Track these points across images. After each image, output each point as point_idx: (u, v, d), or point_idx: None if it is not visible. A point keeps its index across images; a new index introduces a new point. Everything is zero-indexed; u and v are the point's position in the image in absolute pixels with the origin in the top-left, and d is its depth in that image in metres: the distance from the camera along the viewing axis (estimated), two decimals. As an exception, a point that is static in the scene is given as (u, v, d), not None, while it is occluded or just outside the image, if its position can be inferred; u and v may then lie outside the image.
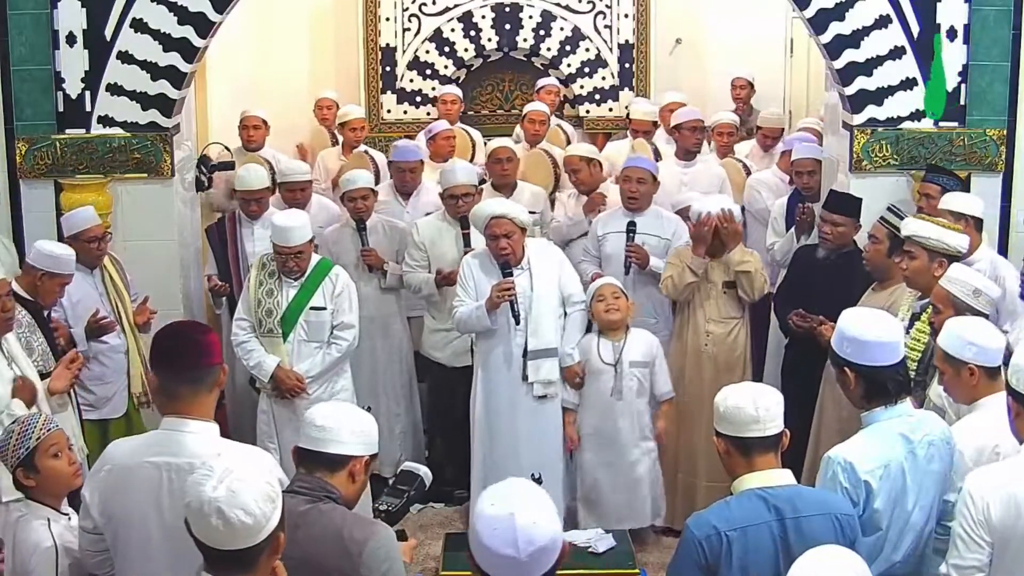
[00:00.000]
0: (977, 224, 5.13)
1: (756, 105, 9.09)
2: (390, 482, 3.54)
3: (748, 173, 7.65)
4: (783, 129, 8.37)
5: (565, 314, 5.61)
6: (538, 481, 5.21)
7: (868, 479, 3.35)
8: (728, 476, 3.26)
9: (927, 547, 3.52)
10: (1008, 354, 3.53)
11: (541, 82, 9.00)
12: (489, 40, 9.44)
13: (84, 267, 5.49)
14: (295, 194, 6.69)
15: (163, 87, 5.86)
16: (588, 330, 5.68)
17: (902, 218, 5.23)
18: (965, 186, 5.76)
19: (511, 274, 5.48)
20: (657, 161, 7.55)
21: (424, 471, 3.56)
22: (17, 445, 3.46)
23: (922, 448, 3.46)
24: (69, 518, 3.49)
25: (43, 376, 4.72)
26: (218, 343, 3.30)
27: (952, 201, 5.18)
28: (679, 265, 5.74)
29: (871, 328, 3.48)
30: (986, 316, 4.12)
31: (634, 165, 6.37)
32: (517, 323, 5.48)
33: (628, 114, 8.46)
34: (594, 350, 5.58)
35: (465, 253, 5.99)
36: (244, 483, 2.46)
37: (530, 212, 5.96)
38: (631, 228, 6.22)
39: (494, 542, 2.44)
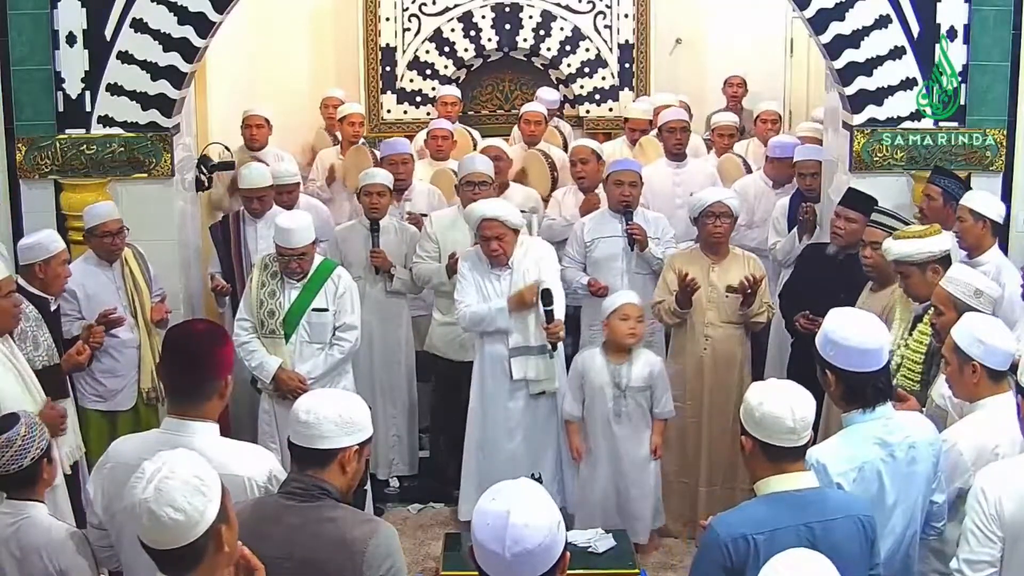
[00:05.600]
0: (995, 227, 5.14)
1: (755, 104, 9.07)
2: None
3: (748, 169, 7.67)
4: (780, 116, 8.37)
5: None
6: (538, 480, 5.19)
7: (840, 481, 3.30)
8: (749, 477, 3.21)
9: (911, 550, 3.49)
10: (1016, 362, 3.52)
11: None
12: (489, 40, 9.44)
13: (103, 261, 5.53)
14: (282, 196, 6.59)
15: (163, 87, 5.86)
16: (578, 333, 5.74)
17: (893, 216, 5.24)
18: (965, 186, 5.77)
19: (552, 316, 5.40)
20: (657, 159, 7.58)
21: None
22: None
23: (902, 450, 3.41)
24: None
25: (47, 370, 4.74)
26: (231, 355, 3.29)
27: (974, 199, 5.16)
28: (667, 297, 5.72)
29: (855, 333, 3.40)
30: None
31: (624, 168, 6.29)
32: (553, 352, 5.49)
33: (625, 116, 8.42)
34: (596, 369, 5.52)
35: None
36: (171, 480, 2.42)
37: (521, 211, 5.86)
38: (628, 213, 6.19)
39: (484, 536, 2.45)
